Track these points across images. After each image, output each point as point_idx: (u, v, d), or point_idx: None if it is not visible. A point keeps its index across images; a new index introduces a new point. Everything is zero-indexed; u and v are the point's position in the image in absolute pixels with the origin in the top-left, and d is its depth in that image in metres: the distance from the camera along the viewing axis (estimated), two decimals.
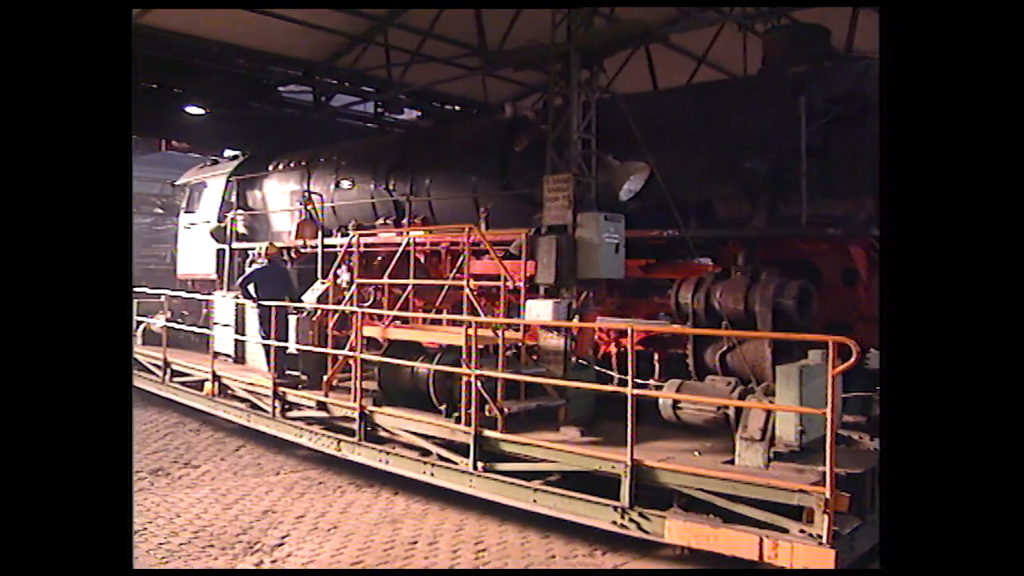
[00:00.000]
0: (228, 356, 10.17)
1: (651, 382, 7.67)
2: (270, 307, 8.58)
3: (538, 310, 7.07)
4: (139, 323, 11.41)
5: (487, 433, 6.54)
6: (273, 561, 5.52)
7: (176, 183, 13.76)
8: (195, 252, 12.57)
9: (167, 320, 10.77)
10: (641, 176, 7.20)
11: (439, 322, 8.01)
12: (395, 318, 7.94)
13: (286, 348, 8.54)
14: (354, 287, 8.17)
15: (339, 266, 8.60)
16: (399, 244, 9.57)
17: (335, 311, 8.29)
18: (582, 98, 7.26)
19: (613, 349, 8.92)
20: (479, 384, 6.52)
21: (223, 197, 12.43)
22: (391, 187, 10.59)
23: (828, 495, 4.75)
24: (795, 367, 5.46)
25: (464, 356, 6.62)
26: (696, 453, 6.03)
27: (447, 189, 9.98)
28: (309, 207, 10.41)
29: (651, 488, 5.55)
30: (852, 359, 4.73)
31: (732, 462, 5.65)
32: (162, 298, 11.23)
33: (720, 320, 7.42)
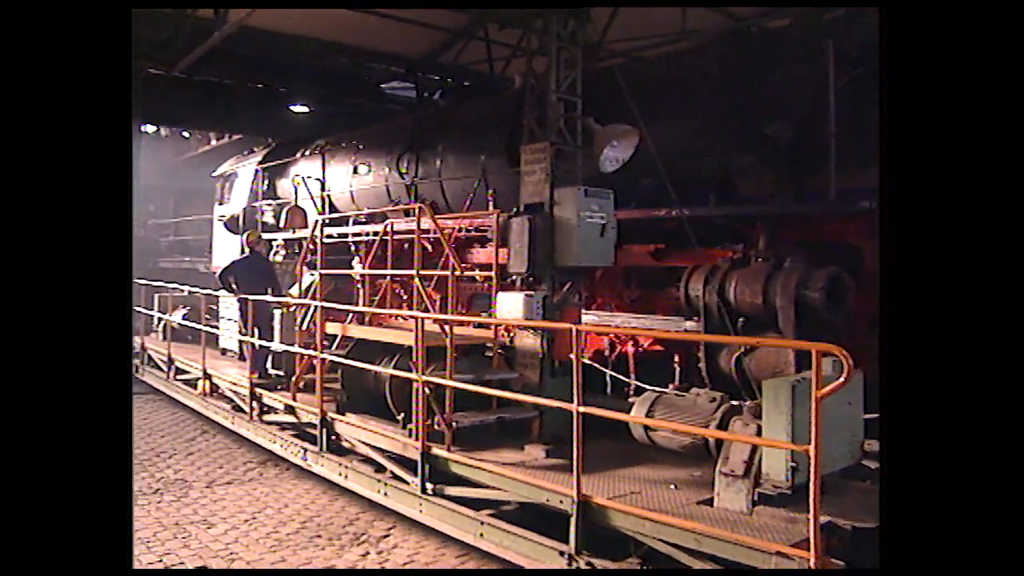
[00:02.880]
0: (234, 352, 9.65)
1: (670, 390, 6.42)
2: (249, 301, 7.88)
3: (508, 305, 5.99)
4: (160, 319, 11.10)
5: (435, 450, 5.54)
6: (379, 552, 5.40)
7: (212, 174, 13.46)
8: (225, 245, 12.20)
9: (185, 315, 10.38)
10: (628, 142, 5.97)
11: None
12: (357, 314, 7.04)
13: (263, 345, 7.81)
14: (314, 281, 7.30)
15: (310, 263, 7.80)
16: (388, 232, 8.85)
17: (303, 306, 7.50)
18: (564, 54, 6.09)
19: (631, 349, 7.72)
20: (427, 392, 5.53)
21: (251, 187, 11.98)
22: (403, 170, 9.75)
23: (813, 562, 3.48)
24: (785, 382, 4.15)
25: (414, 358, 5.63)
26: (672, 487, 4.80)
27: (457, 170, 9.02)
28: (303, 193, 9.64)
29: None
30: (843, 376, 3.42)
31: (712, 501, 4.41)
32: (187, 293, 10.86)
33: (737, 316, 6.11)
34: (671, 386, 6.30)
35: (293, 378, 7.31)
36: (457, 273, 6.11)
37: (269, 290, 8.23)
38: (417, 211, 6.51)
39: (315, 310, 6.92)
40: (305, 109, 12.79)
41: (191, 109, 12.62)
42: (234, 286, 8.19)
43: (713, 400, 4.82)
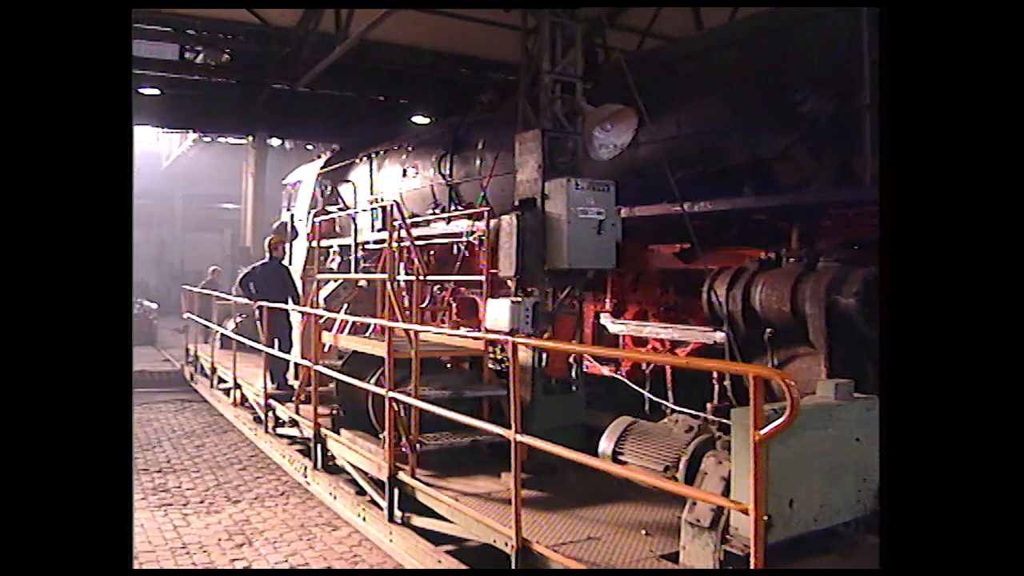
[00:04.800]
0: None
1: (706, 412, 5.56)
2: (269, 309, 7.63)
3: (495, 313, 5.35)
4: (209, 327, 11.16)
5: (401, 475, 4.99)
6: None
7: (282, 181, 13.54)
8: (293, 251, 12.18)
9: (237, 324, 10.39)
10: (624, 124, 5.18)
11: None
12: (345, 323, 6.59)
13: (277, 354, 7.52)
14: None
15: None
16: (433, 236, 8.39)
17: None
18: (559, 29, 5.39)
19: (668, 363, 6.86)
20: (395, 408, 5.00)
21: (313, 193, 11.89)
22: (446, 172, 9.30)
23: None
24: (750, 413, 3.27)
25: (387, 371, 5.11)
26: (643, 532, 4.01)
27: (497, 168, 8.46)
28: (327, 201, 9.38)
29: None
30: (787, 415, 2.59)
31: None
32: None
33: (764, 326, 5.17)
34: (709, 405, 5.45)
35: (296, 391, 6.96)
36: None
37: (289, 298, 7.95)
38: (390, 208, 5.97)
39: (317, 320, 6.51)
40: (426, 120, 12.71)
41: (315, 122, 12.84)
42: (253, 293, 7.97)
43: (690, 429, 3.97)
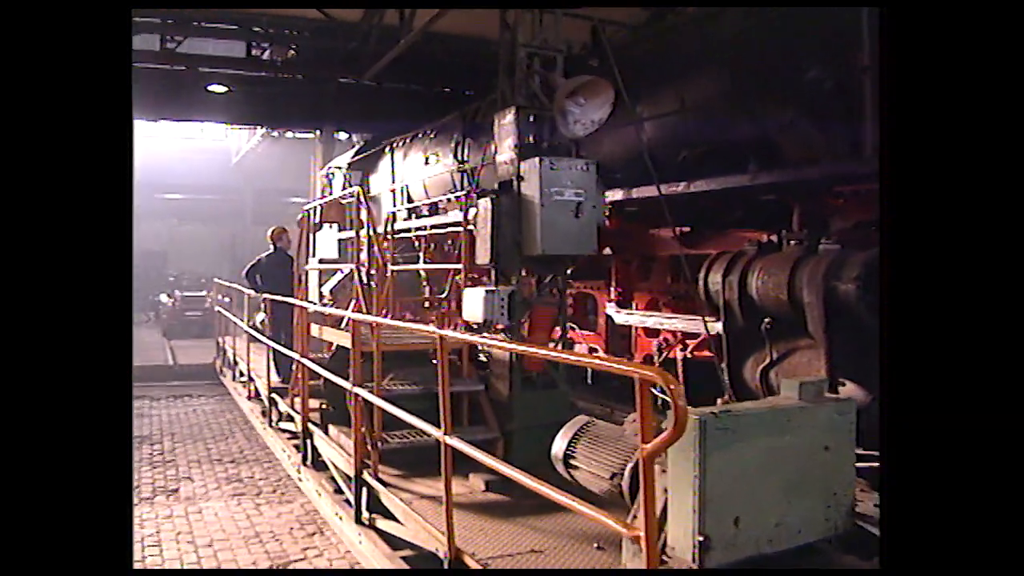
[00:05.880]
0: None
1: (718, 405, 5.11)
2: (273, 300, 7.50)
3: (470, 303, 5.02)
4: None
5: (366, 475, 4.73)
6: None
7: (320, 172, 13.48)
8: (324, 244, 12.10)
9: (267, 317, 10.36)
10: (600, 98, 4.73)
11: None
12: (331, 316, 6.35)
13: (278, 347, 7.36)
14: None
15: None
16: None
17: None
18: None
19: (679, 354, 6.40)
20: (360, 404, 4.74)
21: (344, 184, 11.78)
22: (462, 158, 9.00)
23: None
24: (692, 415, 2.83)
25: (352, 364, 4.87)
26: (595, 546, 3.63)
27: None
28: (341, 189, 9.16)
29: None
30: (670, 429, 2.19)
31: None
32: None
33: (761, 316, 4.67)
34: (719, 401, 4.99)
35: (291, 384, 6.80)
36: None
37: (291, 288, 7.80)
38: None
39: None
40: None
41: (381, 115, 12.83)
42: (259, 284, 7.85)
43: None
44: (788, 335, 4.57)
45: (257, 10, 11.33)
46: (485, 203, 4.97)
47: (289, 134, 24.91)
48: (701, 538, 2.77)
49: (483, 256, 4.99)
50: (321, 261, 7.80)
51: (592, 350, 7.33)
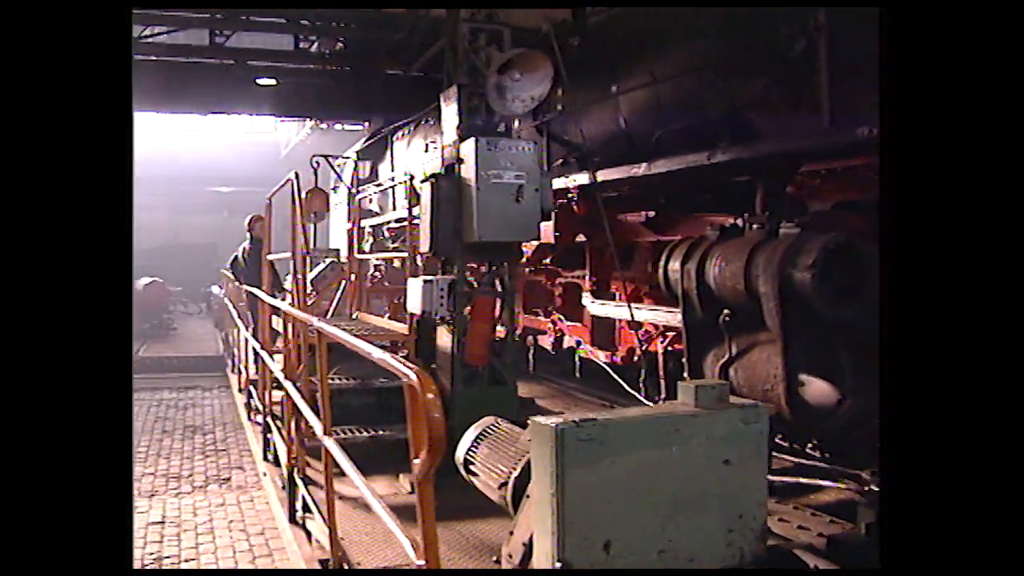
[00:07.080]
0: None
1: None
2: (248, 292, 7.35)
3: (411, 294, 4.73)
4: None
5: (295, 473, 4.49)
6: None
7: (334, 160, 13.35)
8: (336, 231, 12.00)
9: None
10: (538, 74, 4.34)
11: None
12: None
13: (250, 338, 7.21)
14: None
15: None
16: None
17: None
18: None
19: (660, 348, 5.98)
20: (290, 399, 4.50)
21: (352, 173, 11.61)
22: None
23: None
24: (547, 427, 2.47)
25: (284, 358, 4.64)
26: (494, 559, 3.30)
27: None
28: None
29: None
30: (425, 451, 1.88)
31: None
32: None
33: (720, 307, 4.25)
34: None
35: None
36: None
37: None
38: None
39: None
40: None
41: (428, 106, 12.75)
42: (240, 276, 7.71)
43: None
44: (748, 328, 4.15)
45: (287, 10, 11.23)
46: (426, 188, 4.65)
47: (338, 126, 25.04)
48: (559, 564, 2.42)
49: (424, 244, 4.69)
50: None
51: (578, 343, 6.96)
